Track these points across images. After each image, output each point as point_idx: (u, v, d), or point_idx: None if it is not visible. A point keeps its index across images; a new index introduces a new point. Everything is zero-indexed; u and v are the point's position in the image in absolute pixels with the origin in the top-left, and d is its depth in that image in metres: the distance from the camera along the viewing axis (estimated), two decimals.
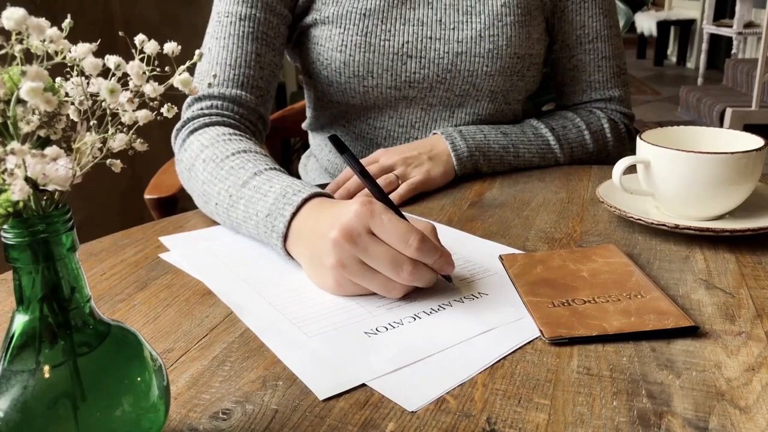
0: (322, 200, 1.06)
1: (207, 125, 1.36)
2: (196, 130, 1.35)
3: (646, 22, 12.19)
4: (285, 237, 1.05)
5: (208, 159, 1.24)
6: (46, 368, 0.56)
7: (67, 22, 0.57)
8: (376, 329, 0.88)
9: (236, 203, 1.15)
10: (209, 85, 1.42)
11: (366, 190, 1.33)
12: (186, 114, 1.42)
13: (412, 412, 0.71)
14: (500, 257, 1.07)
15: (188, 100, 1.45)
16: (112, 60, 0.56)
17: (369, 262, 0.92)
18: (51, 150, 0.50)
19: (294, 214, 1.05)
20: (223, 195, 1.18)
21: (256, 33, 1.46)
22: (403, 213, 0.98)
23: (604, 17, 1.65)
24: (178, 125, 1.40)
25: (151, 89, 0.58)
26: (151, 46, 0.59)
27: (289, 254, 1.07)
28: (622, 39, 1.77)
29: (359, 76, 1.52)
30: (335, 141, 1.03)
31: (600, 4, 1.64)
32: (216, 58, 1.45)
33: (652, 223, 1.12)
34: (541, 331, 0.85)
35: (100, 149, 0.56)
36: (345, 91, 1.56)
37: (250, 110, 1.46)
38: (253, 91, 1.46)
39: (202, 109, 1.41)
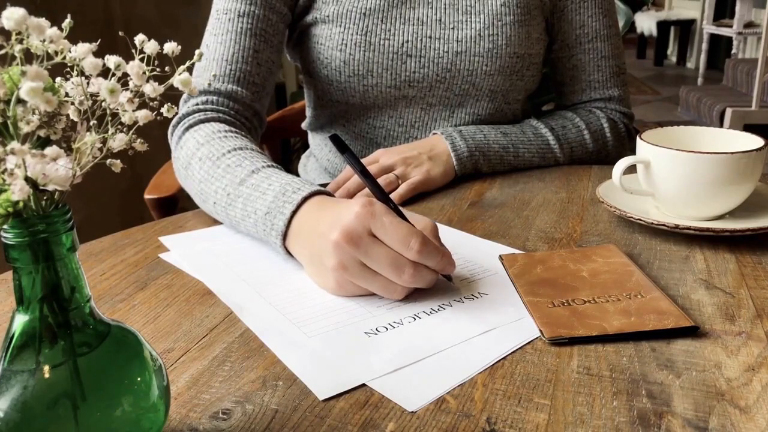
0: (322, 198, 1.06)
1: (202, 121, 1.36)
2: (191, 126, 1.35)
3: (646, 22, 12.20)
4: (284, 235, 1.05)
5: (204, 157, 1.24)
6: (46, 368, 0.56)
7: (67, 22, 0.57)
8: (376, 329, 0.88)
9: (234, 201, 1.15)
10: (209, 84, 1.42)
11: (366, 190, 1.33)
12: (182, 110, 1.42)
13: (412, 412, 0.71)
14: (500, 257, 1.07)
15: (184, 95, 1.45)
16: (112, 60, 0.56)
17: (370, 264, 0.92)
18: (51, 150, 0.50)
19: (294, 212, 1.04)
20: (220, 193, 1.17)
21: (254, 29, 1.46)
22: (404, 211, 0.98)
23: (603, 17, 1.65)
24: (173, 121, 1.40)
25: (151, 89, 0.58)
26: (151, 46, 0.59)
27: (288, 252, 1.06)
28: (622, 39, 1.77)
29: (359, 75, 1.52)
30: (336, 140, 1.02)
31: (599, 3, 1.64)
32: (213, 54, 1.46)
33: (652, 223, 1.12)
34: (541, 331, 0.85)
35: (100, 149, 0.56)
36: (345, 90, 1.56)
37: (245, 106, 1.46)
38: (249, 87, 1.46)
39: (197, 104, 1.41)
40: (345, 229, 0.92)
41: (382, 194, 1.00)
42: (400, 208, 0.98)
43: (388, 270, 0.91)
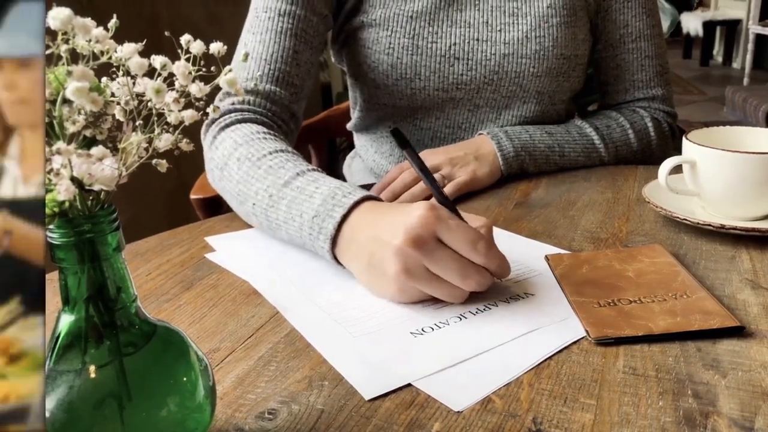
0: (374, 204, 1.03)
1: (239, 121, 1.32)
2: (228, 126, 1.30)
3: (692, 22, 12.10)
4: (334, 240, 1.02)
5: (243, 157, 1.20)
6: (92, 368, 0.56)
7: (113, 22, 0.57)
8: (422, 329, 0.87)
9: (277, 203, 1.11)
10: (254, 84, 1.40)
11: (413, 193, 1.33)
12: None
13: (458, 412, 0.71)
14: (546, 257, 1.06)
15: (219, 94, 1.42)
16: (158, 60, 0.57)
17: (435, 269, 0.90)
18: (97, 150, 0.51)
19: (345, 217, 1.01)
20: (261, 195, 1.14)
21: (295, 30, 1.43)
22: (459, 210, 0.97)
23: (647, 16, 1.64)
24: (207, 120, 1.36)
25: (197, 89, 0.58)
26: (196, 46, 0.59)
27: (335, 258, 1.03)
28: (665, 39, 1.76)
29: (406, 78, 1.52)
30: (397, 134, 0.99)
31: (643, 3, 1.63)
32: (252, 52, 1.42)
33: (698, 223, 1.11)
34: (586, 331, 0.84)
35: (146, 149, 0.56)
36: (392, 93, 1.56)
37: (283, 108, 1.42)
38: (288, 88, 1.43)
39: (233, 103, 1.37)
40: (410, 234, 0.89)
41: (439, 192, 0.98)
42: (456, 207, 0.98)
43: (454, 275, 0.90)
